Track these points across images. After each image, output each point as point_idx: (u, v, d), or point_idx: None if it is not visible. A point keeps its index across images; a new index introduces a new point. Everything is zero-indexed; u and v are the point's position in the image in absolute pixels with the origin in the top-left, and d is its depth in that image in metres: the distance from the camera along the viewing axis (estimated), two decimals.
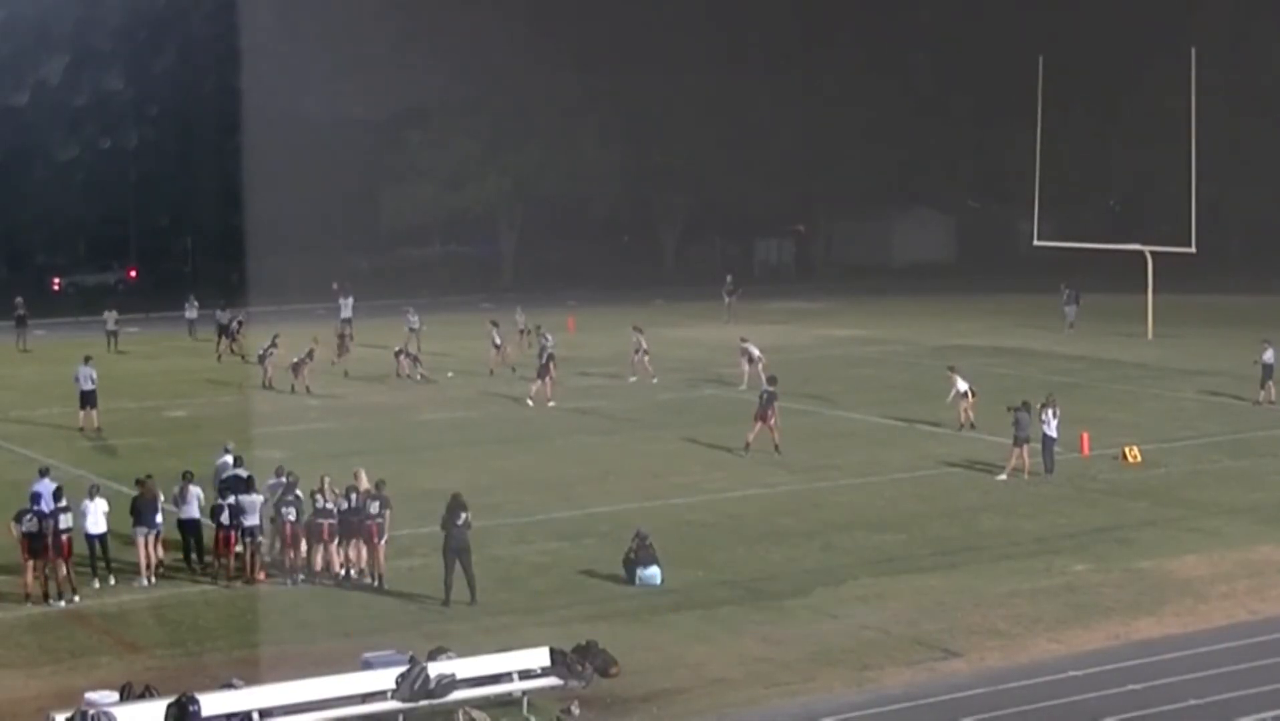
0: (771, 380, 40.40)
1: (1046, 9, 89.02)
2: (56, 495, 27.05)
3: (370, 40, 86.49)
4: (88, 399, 42.92)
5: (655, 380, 50.15)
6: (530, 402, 46.05)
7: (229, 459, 30.19)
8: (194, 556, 28.36)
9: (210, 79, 62.39)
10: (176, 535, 29.86)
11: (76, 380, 43.29)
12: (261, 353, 50.06)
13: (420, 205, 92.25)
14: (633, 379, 50.46)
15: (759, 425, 38.45)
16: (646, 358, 50.95)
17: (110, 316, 61.02)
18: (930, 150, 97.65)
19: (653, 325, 56.06)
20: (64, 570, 26.43)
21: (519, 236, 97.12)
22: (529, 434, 41.98)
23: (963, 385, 41.37)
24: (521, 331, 56.78)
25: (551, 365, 47.04)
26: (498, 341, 52.88)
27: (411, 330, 57.71)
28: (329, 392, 48.75)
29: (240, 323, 58.10)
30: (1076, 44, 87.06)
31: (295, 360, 48.64)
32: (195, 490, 28.50)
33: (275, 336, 50.39)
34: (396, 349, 53.26)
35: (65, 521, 26.53)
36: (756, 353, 48.51)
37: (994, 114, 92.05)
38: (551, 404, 45.93)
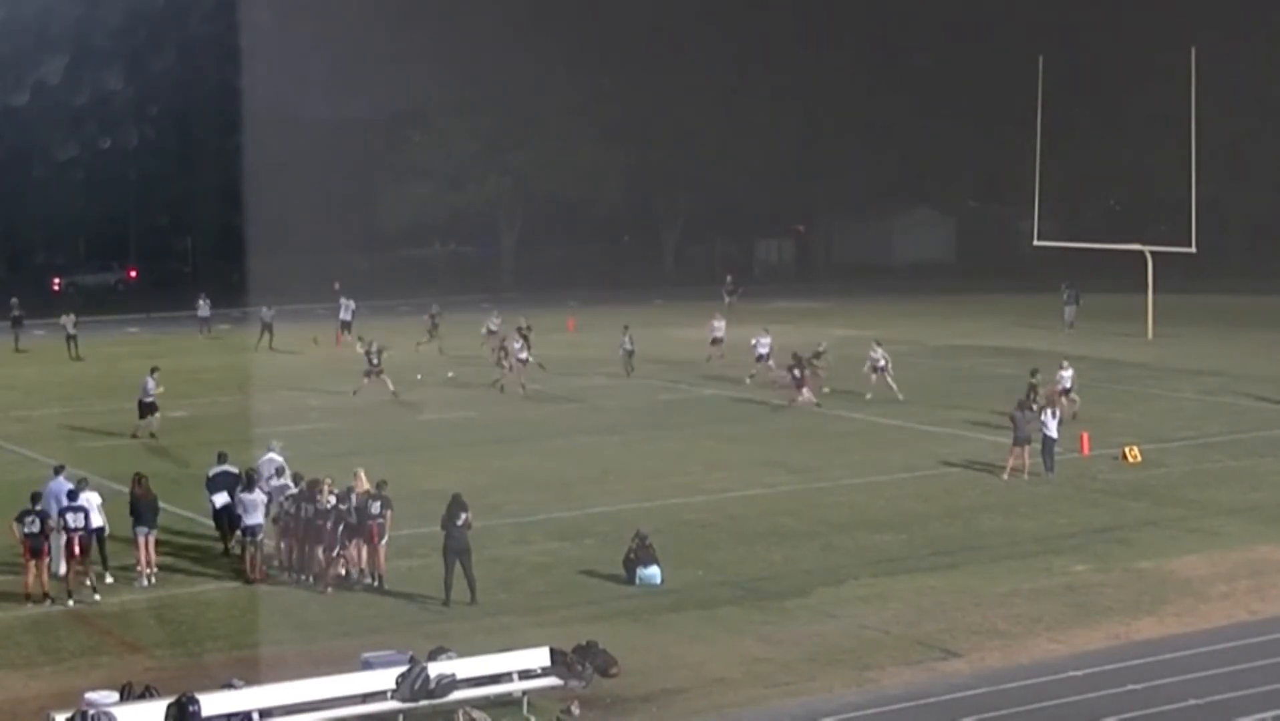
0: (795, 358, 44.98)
1: (1046, 9, 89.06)
2: (71, 495, 27.00)
3: (370, 40, 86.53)
4: (145, 409, 41.68)
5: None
6: (502, 389, 47.29)
7: (274, 455, 30.10)
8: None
9: (210, 79, 62.33)
10: (175, 537, 30.02)
11: (144, 389, 41.98)
12: (370, 368, 48.01)
13: (420, 205, 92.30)
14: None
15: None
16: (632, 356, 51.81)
17: (68, 320, 60.24)
18: (930, 150, 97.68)
19: (653, 325, 56.05)
20: (73, 569, 26.44)
21: (519, 236, 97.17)
22: (529, 434, 41.99)
23: (1068, 380, 41.99)
24: (715, 340, 54.59)
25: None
26: (523, 355, 50.08)
27: (432, 327, 58.14)
28: (328, 390, 48.79)
29: (375, 346, 50.61)
30: (1077, 44, 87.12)
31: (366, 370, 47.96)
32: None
33: (374, 344, 49.02)
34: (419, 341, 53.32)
35: (75, 520, 26.52)
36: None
37: (994, 114, 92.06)
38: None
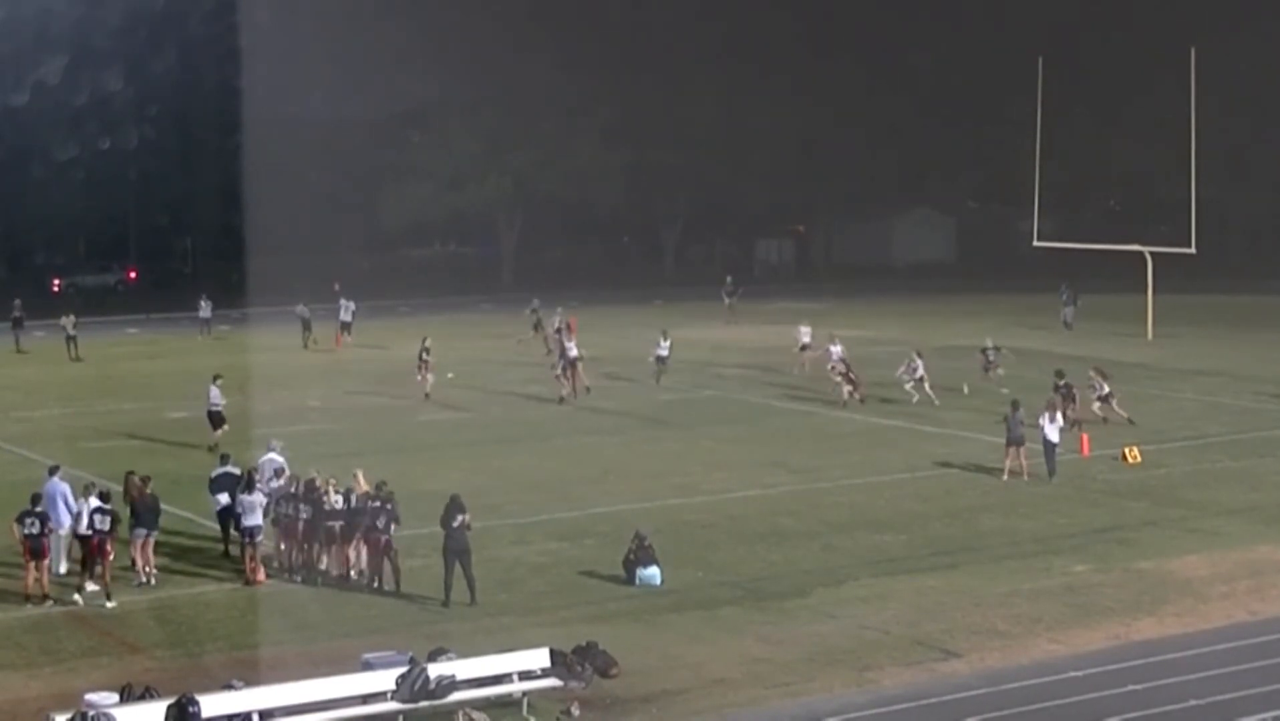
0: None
1: (1046, 9, 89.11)
2: (104, 497, 26.86)
3: (370, 40, 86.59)
4: (215, 419, 40.18)
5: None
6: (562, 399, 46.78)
7: (274, 455, 30.13)
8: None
9: (210, 79, 62.42)
10: (175, 538, 30.05)
11: (209, 398, 40.73)
12: (420, 362, 47.98)
13: (420, 205, 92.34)
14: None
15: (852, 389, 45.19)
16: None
17: (68, 321, 60.09)
18: (930, 150, 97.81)
19: (654, 326, 56.00)
20: (89, 568, 26.46)
21: (519, 236, 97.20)
22: (529, 434, 41.98)
23: (1105, 387, 42.11)
24: (803, 347, 53.38)
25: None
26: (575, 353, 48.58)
27: (539, 326, 58.63)
28: (329, 390, 48.78)
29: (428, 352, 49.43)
30: (1077, 44, 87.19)
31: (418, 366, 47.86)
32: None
33: (426, 339, 48.85)
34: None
35: (102, 523, 26.45)
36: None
37: (994, 114, 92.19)
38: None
